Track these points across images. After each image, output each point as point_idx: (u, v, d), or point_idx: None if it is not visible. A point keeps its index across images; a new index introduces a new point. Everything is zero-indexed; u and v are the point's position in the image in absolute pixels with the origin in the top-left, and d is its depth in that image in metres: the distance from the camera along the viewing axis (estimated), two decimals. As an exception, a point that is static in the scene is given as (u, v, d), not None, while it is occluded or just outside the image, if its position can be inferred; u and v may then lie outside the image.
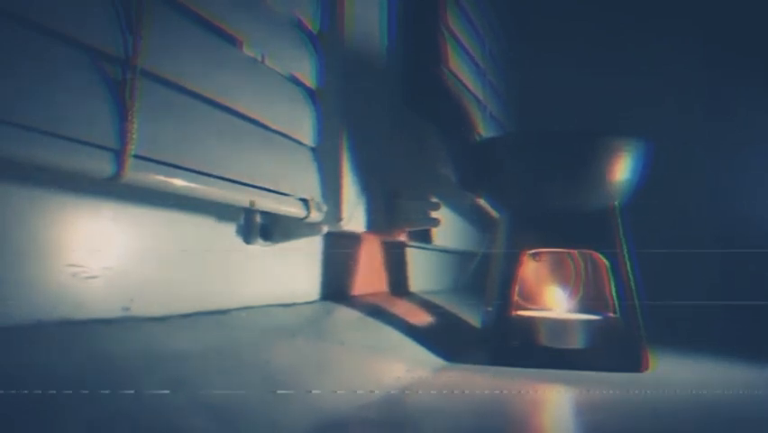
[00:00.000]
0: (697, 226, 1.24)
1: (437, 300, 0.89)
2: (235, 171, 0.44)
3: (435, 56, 0.82)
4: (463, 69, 0.91)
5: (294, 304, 0.57)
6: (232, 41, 0.47)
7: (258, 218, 0.52)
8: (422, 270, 0.94)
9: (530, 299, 0.74)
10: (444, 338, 0.73)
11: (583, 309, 0.72)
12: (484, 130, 1.00)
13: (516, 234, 0.70)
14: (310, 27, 0.57)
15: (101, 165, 0.32)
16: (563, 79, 1.30)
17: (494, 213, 0.83)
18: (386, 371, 0.55)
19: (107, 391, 0.30)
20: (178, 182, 0.38)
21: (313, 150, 0.56)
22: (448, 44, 0.85)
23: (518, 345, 0.67)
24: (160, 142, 0.37)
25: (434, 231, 0.82)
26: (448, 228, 0.87)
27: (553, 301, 0.74)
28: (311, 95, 0.57)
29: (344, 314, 0.62)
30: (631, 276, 0.66)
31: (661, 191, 0.88)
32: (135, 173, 0.34)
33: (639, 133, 0.67)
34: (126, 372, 0.33)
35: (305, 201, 0.52)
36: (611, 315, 0.67)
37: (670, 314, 0.73)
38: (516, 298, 0.69)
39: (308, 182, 0.54)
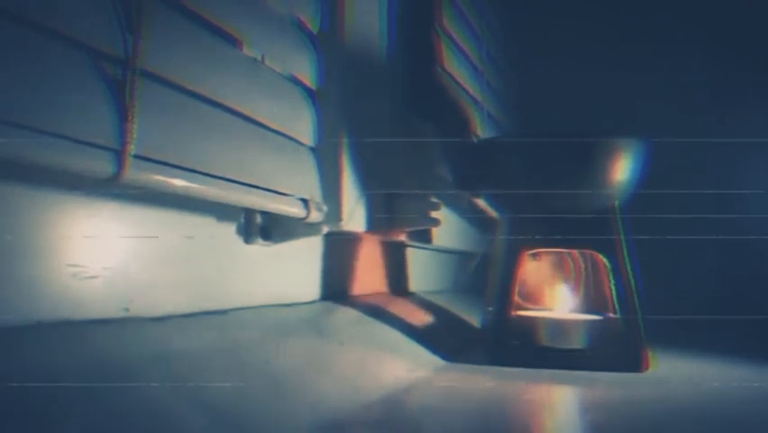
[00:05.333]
0: (698, 225, 1.24)
1: (437, 300, 0.89)
2: (235, 171, 0.44)
3: (430, 56, 0.82)
4: (459, 70, 0.91)
5: (294, 304, 0.57)
6: (232, 41, 0.47)
7: (258, 218, 0.52)
8: (422, 270, 0.94)
9: (530, 299, 0.74)
10: (444, 338, 0.73)
11: (583, 309, 0.72)
12: (482, 130, 1.00)
13: (517, 235, 0.70)
14: (310, 27, 0.57)
15: (101, 165, 0.32)
16: (562, 79, 1.30)
17: (494, 213, 0.82)
18: (386, 371, 0.55)
19: (107, 392, 0.30)
20: (178, 182, 0.38)
21: (313, 150, 0.56)
22: (443, 44, 0.85)
23: (518, 345, 0.67)
24: (159, 143, 0.37)
25: (434, 231, 0.82)
26: (448, 228, 0.87)
27: (554, 301, 0.74)
28: (311, 95, 0.57)
29: (344, 314, 0.62)
30: (631, 276, 0.66)
31: (661, 191, 0.88)
32: (135, 173, 0.34)
33: (639, 133, 0.67)
34: (126, 372, 0.33)
35: (305, 201, 0.52)
36: (611, 315, 0.67)
37: (670, 313, 0.73)
38: (516, 298, 0.69)
39: (308, 182, 0.54)
